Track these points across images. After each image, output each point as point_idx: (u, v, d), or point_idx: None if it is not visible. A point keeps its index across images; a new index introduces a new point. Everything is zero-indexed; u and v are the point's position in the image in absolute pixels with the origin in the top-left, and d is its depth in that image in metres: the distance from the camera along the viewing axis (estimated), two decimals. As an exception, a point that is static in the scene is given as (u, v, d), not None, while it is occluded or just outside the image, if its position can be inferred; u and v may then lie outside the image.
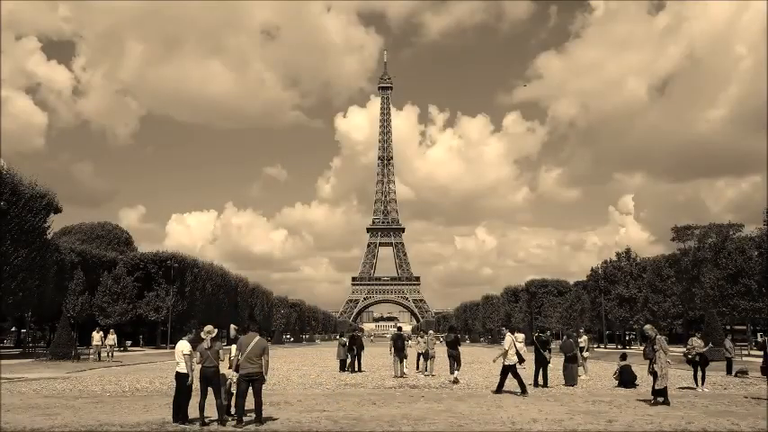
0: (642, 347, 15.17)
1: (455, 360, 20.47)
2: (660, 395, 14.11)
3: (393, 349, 22.84)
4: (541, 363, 18.43)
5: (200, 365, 10.99)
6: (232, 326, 12.44)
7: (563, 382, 19.41)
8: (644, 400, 14.84)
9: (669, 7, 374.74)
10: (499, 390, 16.38)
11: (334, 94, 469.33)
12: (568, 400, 15.14)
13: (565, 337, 21.36)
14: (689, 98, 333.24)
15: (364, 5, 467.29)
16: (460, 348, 21.09)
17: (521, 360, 16.59)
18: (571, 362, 19.47)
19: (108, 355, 33.58)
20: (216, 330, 11.31)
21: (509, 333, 16.88)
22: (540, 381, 18.35)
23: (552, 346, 21.54)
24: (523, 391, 15.81)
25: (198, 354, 11.00)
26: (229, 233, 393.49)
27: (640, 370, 25.07)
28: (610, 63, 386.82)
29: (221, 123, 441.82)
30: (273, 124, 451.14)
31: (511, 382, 15.87)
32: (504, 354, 16.17)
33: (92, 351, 33.43)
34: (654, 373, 14.25)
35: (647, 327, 15.26)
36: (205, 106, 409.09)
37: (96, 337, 33.27)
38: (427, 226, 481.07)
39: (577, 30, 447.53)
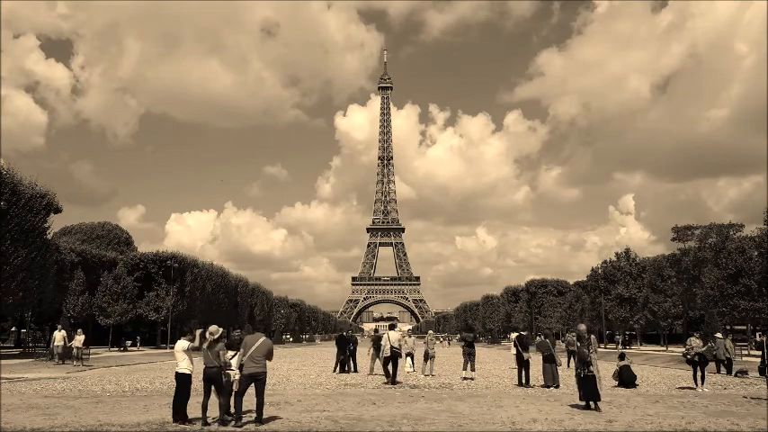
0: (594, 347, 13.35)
1: (472, 358, 21.00)
2: (598, 400, 13.14)
3: (372, 350, 23.73)
4: (523, 363, 18.74)
5: (203, 365, 10.99)
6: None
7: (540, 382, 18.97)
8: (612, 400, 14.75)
9: (672, 5, 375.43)
10: (393, 381, 19.03)
11: (334, 93, 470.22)
12: (568, 400, 15.14)
13: (541, 337, 20.91)
14: (691, 97, 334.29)
15: (365, 3, 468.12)
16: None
17: (393, 355, 19.44)
18: (548, 362, 18.73)
19: (77, 357, 27.89)
20: (221, 330, 11.28)
21: (386, 332, 20.16)
22: (524, 380, 18.65)
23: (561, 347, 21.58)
24: (393, 381, 18.93)
25: (202, 352, 10.99)
26: (229, 233, 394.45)
27: (640, 370, 25.14)
28: (612, 61, 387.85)
29: (221, 122, 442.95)
30: (273, 123, 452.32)
31: (510, 382, 16.08)
32: (384, 349, 19.70)
33: (53, 351, 28.88)
34: (591, 377, 13.11)
35: (582, 327, 13.97)
36: (205, 105, 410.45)
37: (58, 336, 28.85)
38: (427, 226, 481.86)
39: (579, 27, 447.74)
